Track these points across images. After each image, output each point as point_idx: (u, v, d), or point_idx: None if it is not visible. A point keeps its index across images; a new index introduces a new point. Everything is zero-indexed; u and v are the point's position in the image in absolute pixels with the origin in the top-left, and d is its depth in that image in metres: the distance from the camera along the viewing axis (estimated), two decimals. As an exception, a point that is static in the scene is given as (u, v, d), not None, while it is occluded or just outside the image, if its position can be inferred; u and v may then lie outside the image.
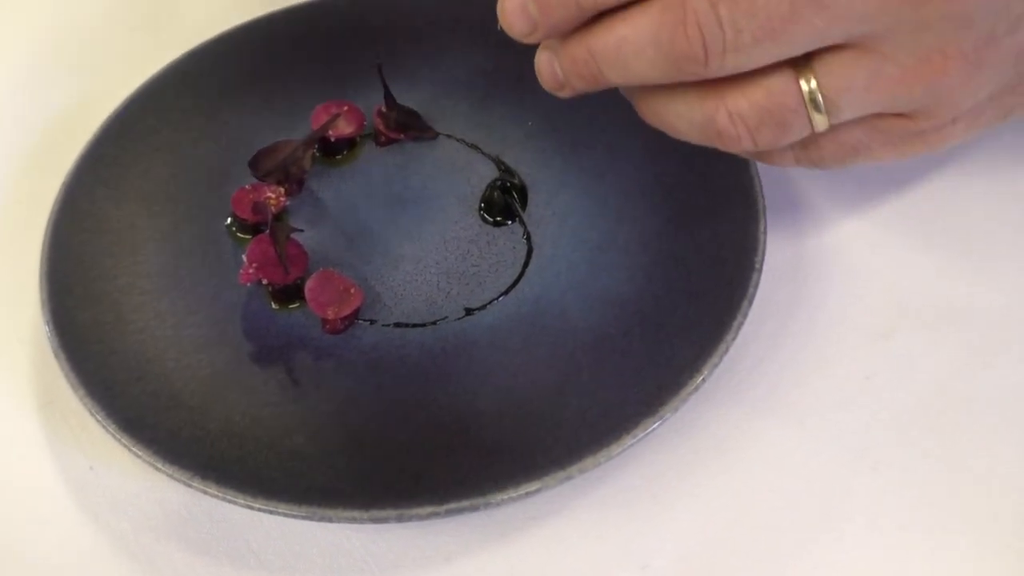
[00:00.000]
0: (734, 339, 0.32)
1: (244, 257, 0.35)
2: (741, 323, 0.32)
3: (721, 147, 0.30)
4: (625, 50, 0.28)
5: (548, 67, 0.31)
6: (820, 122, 0.28)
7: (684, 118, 0.30)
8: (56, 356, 0.33)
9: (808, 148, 0.31)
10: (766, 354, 0.35)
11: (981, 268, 0.36)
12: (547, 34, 0.30)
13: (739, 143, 0.29)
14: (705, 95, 0.29)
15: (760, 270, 0.34)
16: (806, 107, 0.28)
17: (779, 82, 0.28)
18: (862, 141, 0.30)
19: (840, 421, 0.33)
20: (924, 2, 0.26)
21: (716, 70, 0.27)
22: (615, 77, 0.29)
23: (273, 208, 0.37)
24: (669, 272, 0.35)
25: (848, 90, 0.28)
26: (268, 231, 0.35)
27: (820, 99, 0.28)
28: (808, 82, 0.28)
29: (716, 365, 0.32)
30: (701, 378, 0.31)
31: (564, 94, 0.32)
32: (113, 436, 0.31)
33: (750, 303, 0.33)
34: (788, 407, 0.33)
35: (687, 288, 0.34)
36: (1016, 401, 0.33)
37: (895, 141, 0.30)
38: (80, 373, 0.32)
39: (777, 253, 0.37)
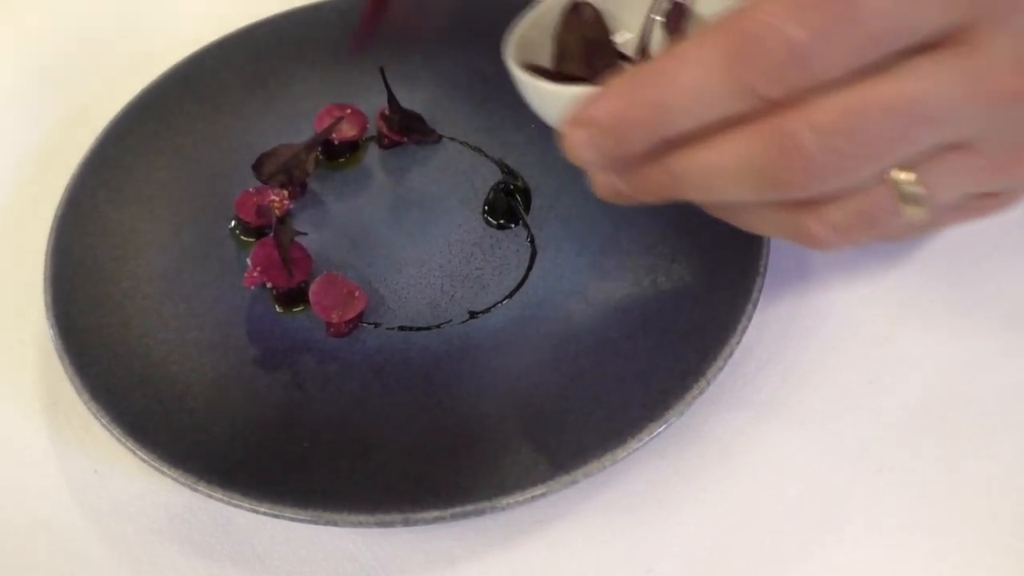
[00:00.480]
0: (738, 343, 0.32)
1: (248, 261, 0.35)
2: (745, 327, 0.33)
3: (805, 246, 0.29)
4: (713, 175, 0.26)
5: (608, 185, 0.29)
6: (916, 215, 0.27)
7: (770, 225, 0.29)
8: (61, 359, 0.33)
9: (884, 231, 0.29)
10: (770, 358, 0.35)
11: (983, 271, 0.37)
12: (616, 163, 0.28)
13: (829, 246, 0.28)
14: (798, 208, 0.27)
15: (764, 273, 0.34)
16: (900, 206, 0.27)
17: (875, 190, 0.27)
18: (940, 217, 0.29)
19: (843, 424, 0.33)
20: (1017, 104, 0.25)
21: (815, 192, 0.26)
22: (697, 197, 0.28)
23: (277, 211, 0.37)
24: (672, 275, 0.35)
25: (945, 186, 0.27)
26: (272, 235, 0.35)
27: (919, 195, 0.27)
28: (905, 181, 0.26)
29: (720, 369, 0.32)
30: (706, 382, 0.31)
31: (623, 204, 0.30)
32: (118, 440, 0.31)
33: (754, 307, 0.33)
34: (792, 410, 0.33)
35: (691, 291, 0.35)
36: (1017, 403, 0.33)
37: (971, 213, 0.30)
38: (85, 377, 0.32)
39: (780, 257, 0.37)
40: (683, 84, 0.26)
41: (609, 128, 0.27)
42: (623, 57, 0.33)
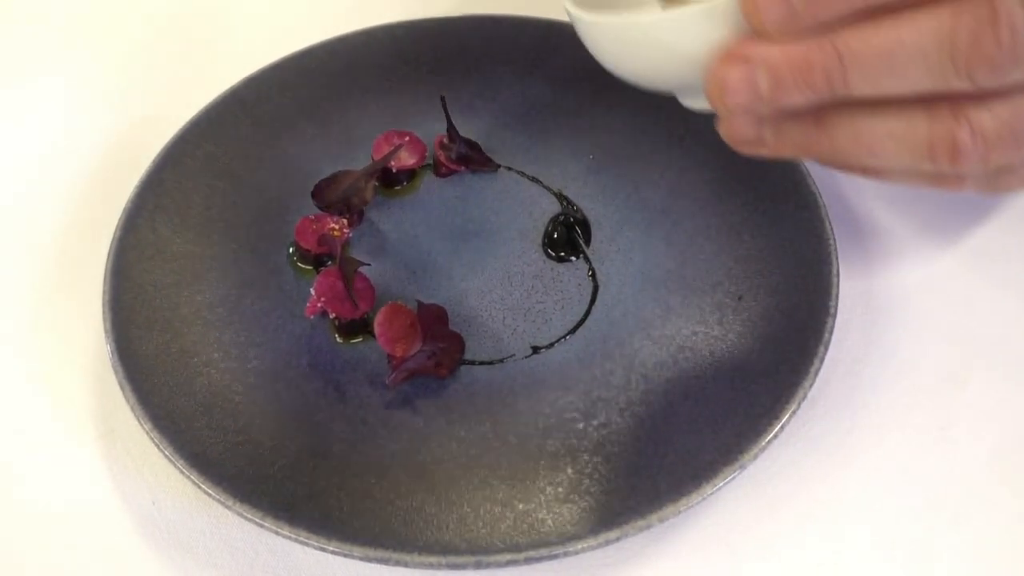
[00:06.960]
0: (811, 385, 0.32)
1: (312, 290, 0.35)
2: (818, 369, 0.32)
3: (929, 174, 0.27)
4: (898, 53, 0.24)
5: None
6: None
7: (897, 138, 0.26)
8: (122, 387, 0.32)
9: (1008, 174, 0.28)
10: (839, 400, 0.34)
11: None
12: (798, 30, 0.24)
13: (967, 163, 0.26)
14: (936, 112, 0.25)
15: (835, 315, 0.33)
16: None
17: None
18: None
19: (917, 472, 0.32)
20: None
21: (999, 81, 0.24)
22: (862, 87, 0.25)
23: (338, 240, 0.37)
24: (740, 314, 0.35)
25: None
26: (337, 265, 0.35)
27: None
28: None
29: (794, 412, 0.31)
30: (780, 425, 0.31)
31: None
32: (182, 471, 0.30)
33: (826, 348, 0.33)
34: (862, 456, 0.33)
35: (760, 331, 0.34)
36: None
37: None
38: (147, 406, 0.32)
39: (846, 295, 0.36)
40: (902, 42, 0.24)
41: (783, 71, 0.24)
42: None
